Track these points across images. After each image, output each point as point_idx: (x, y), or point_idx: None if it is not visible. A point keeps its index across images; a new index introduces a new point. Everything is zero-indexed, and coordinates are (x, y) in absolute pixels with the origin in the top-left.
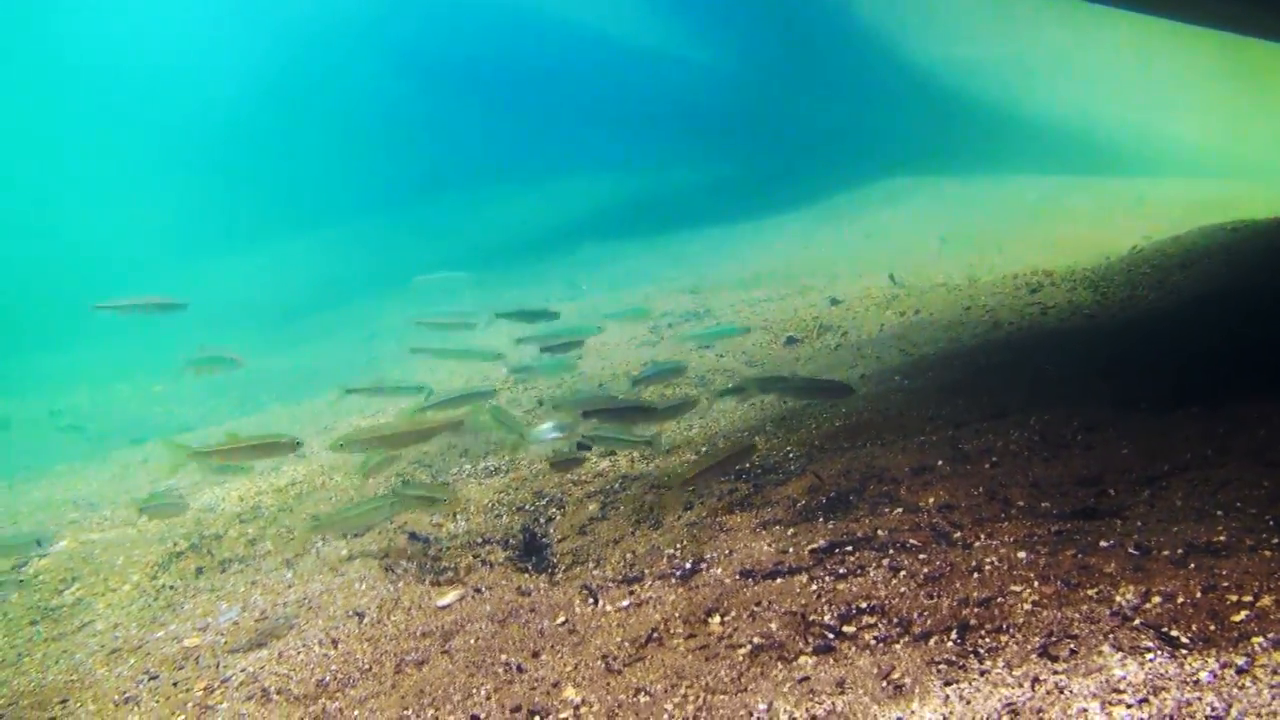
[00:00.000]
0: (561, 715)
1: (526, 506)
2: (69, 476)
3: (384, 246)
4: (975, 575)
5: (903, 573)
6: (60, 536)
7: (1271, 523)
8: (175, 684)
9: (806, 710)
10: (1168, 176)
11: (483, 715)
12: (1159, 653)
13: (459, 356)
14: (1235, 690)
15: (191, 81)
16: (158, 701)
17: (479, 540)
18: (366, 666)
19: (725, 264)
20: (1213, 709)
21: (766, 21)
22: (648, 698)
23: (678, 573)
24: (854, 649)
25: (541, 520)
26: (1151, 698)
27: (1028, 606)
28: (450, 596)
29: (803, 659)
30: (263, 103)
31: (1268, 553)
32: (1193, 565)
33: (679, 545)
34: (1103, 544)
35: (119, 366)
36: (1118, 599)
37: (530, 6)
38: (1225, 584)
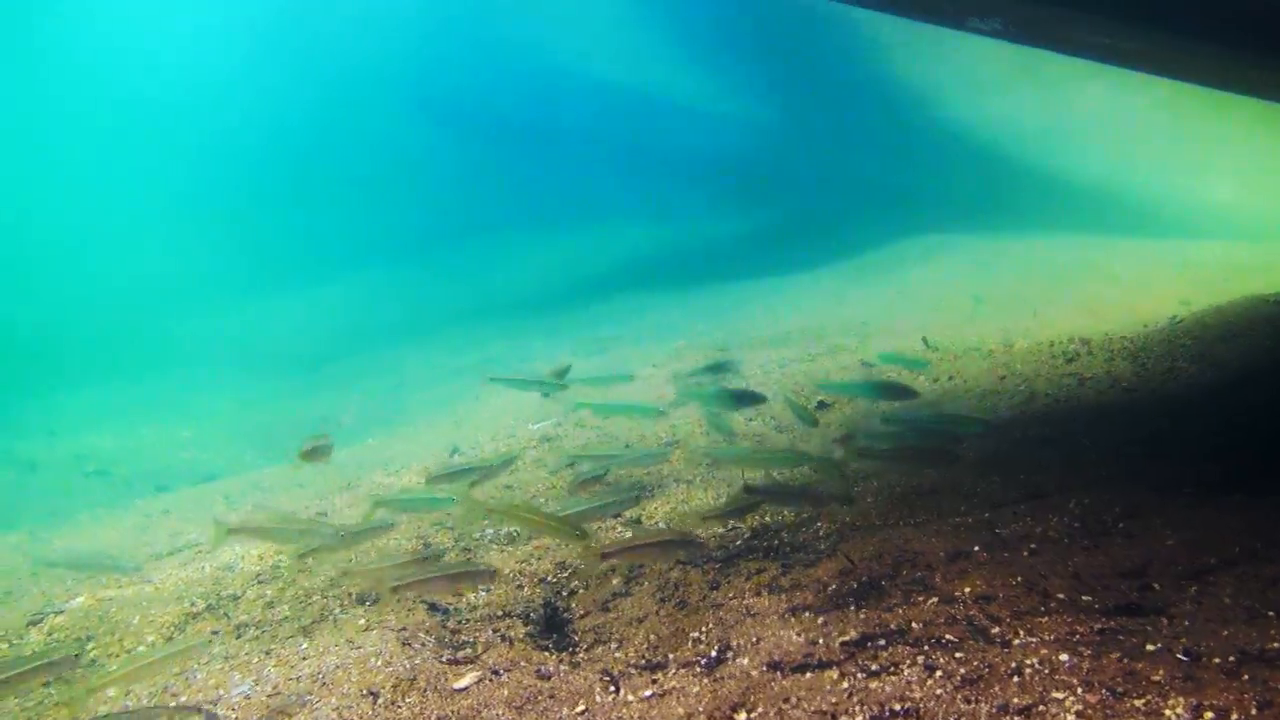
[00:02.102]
0: None
1: (549, 578)
2: (90, 526)
3: (413, 294)
4: (1015, 679)
5: (939, 672)
6: (76, 593)
7: None
8: None
9: None
10: (1206, 239)
11: None
12: None
13: (624, 412)
14: None
15: (226, 123)
16: None
17: (499, 614)
18: None
19: (757, 320)
20: None
21: (802, 77)
22: None
23: (703, 661)
24: None
25: (564, 593)
26: None
27: (1071, 718)
28: (467, 679)
29: None
30: (297, 147)
31: None
32: (1246, 676)
33: (704, 629)
34: (1149, 647)
35: (146, 409)
36: (1167, 713)
37: (563, 57)
38: None
